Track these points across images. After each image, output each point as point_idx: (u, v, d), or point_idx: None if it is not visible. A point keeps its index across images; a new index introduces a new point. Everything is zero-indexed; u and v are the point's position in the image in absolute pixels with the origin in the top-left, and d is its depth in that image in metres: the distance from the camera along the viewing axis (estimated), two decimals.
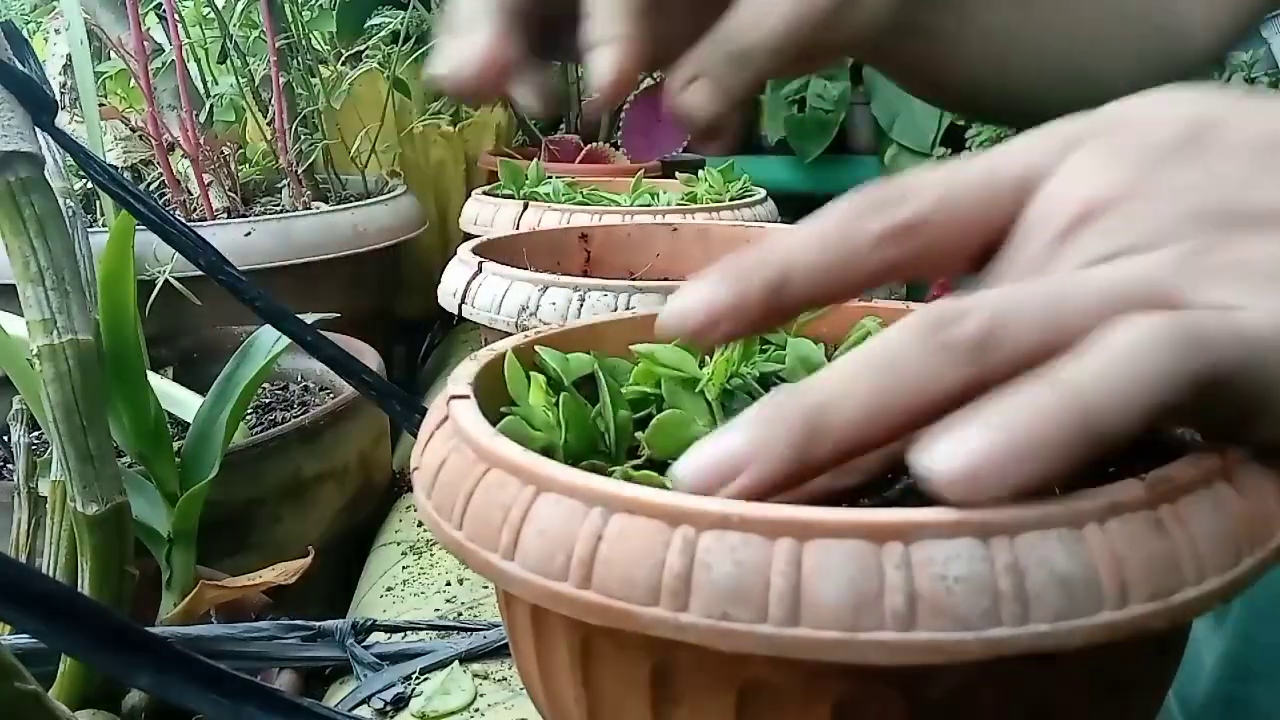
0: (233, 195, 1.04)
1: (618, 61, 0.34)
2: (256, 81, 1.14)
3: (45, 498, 0.51)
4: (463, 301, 0.61)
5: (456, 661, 0.50)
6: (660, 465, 0.36)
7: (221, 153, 1.03)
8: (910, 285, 0.60)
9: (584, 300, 0.56)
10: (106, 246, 0.51)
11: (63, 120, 0.97)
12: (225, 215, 1.01)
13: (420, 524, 0.70)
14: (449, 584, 0.60)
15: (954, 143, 1.69)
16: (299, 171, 1.08)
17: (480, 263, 0.62)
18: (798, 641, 0.22)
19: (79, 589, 0.48)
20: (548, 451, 0.33)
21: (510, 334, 0.41)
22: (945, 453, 0.22)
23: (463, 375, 0.34)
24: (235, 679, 0.33)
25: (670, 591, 0.23)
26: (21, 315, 0.46)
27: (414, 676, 0.50)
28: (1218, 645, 0.50)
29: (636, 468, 0.34)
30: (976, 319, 0.23)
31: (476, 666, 0.50)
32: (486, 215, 0.89)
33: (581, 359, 0.39)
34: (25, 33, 0.54)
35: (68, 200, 0.56)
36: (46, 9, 1.31)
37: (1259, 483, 0.25)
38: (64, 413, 0.45)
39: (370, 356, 0.78)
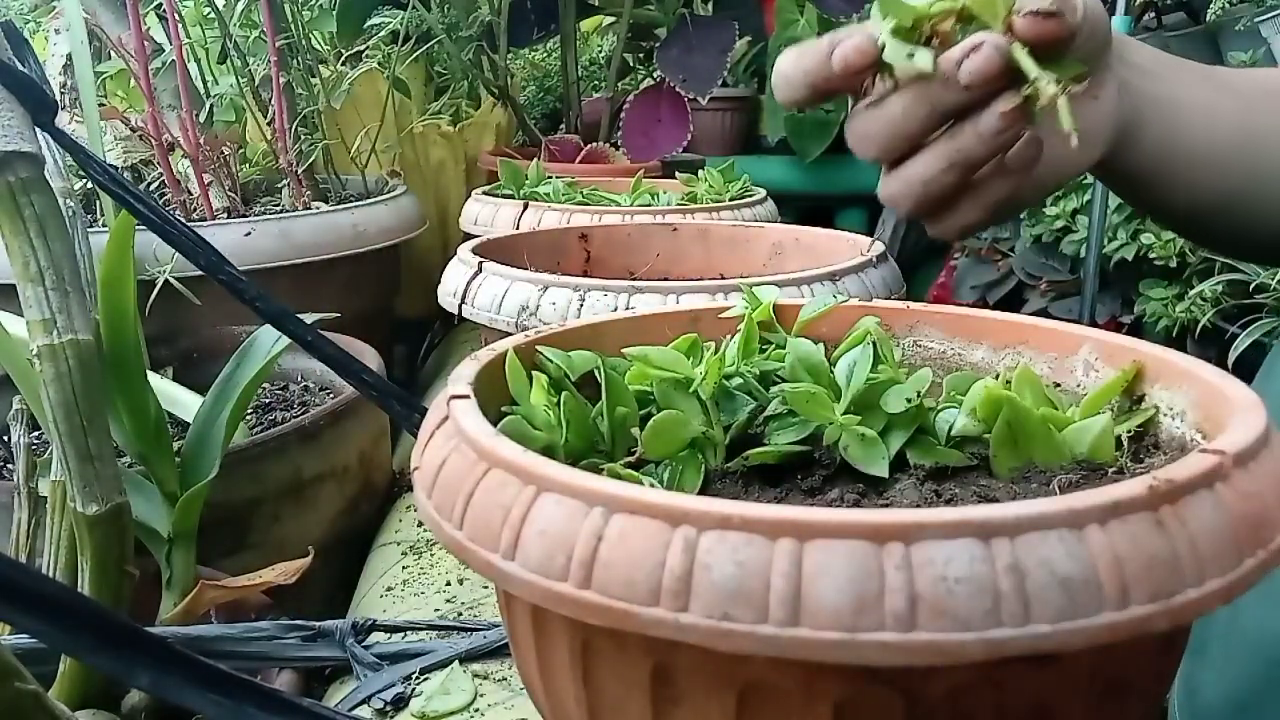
0: (233, 195, 1.04)
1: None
2: (256, 81, 1.14)
3: (45, 498, 0.51)
4: (463, 301, 0.61)
5: (456, 661, 0.50)
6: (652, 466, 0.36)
7: (221, 153, 1.03)
8: (910, 284, 0.61)
9: (584, 300, 0.56)
10: (106, 246, 0.51)
11: (63, 120, 0.97)
12: (225, 215, 1.01)
13: (420, 524, 0.70)
14: (449, 584, 0.60)
15: None
16: (299, 171, 1.08)
17: (480, 263, 0.62)
18: (798, 642, 0.22)
19: (79, 589, 0.48)
20: (549, 451, 0.34)
21: (510, 334, 0.41)
22: None
23: (463, 375, 0.34)
24: (235, 679, 0.33)
25: (671, 592, 0.23)
26: (21, 315, 0.45)
27: (414, 676, 0.50)
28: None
29: (628, 466, 0.34)
30: None
31: (476, 666, 0.50)
32: (486, 215, 0.89)
33: (585, 356, 0.39)
34: (25, 33, 0.54)
35: (68, 200, 0.56)
36: (46, 9, 1.31)
37: (1260, 483, 0.25)
38: (64, 413, 0.45)
39: (370, 356, 0.78)
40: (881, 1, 0.39)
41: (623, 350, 0.39)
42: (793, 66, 0.41)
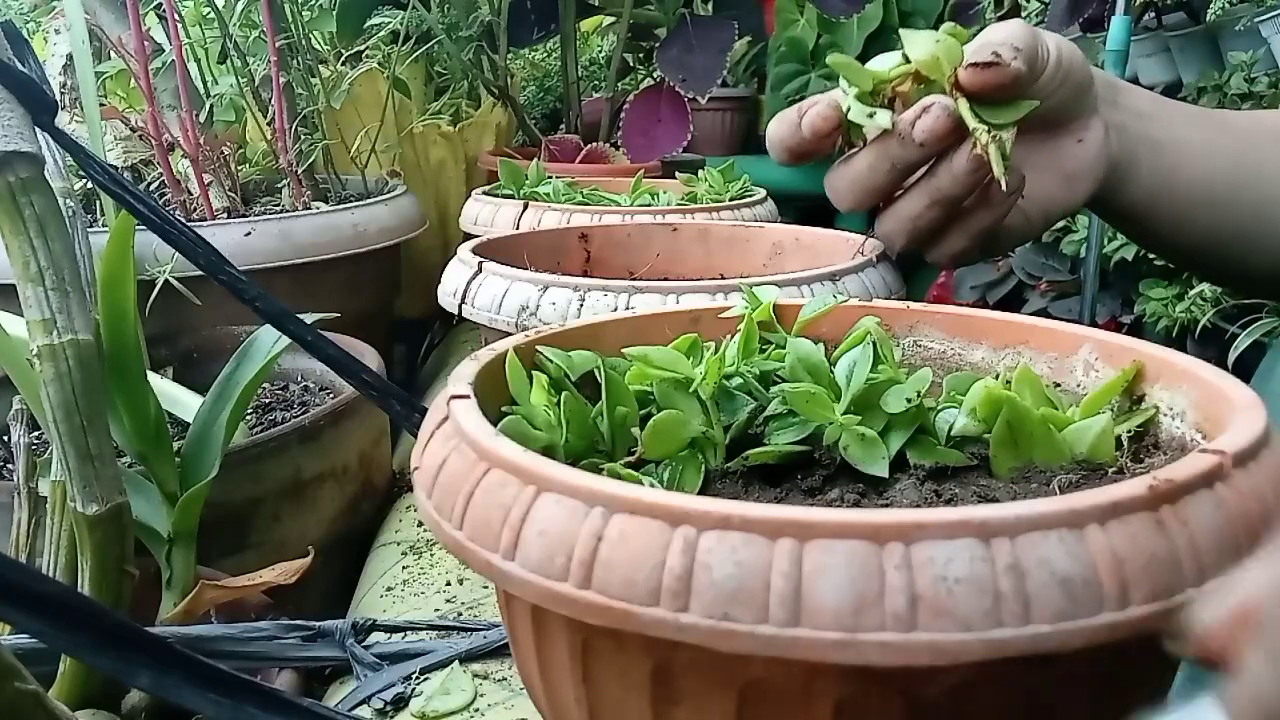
0: (233, 195, 1.04)
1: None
2: (256, 81, 1.14)
3: (45, 498, 0.51)
4: (463, 301, 0.61)
5: (456, 661, 0.50)
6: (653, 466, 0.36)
7: (221, 153, 1.03)
8: (910, 284, 0.62)
9: (584, 300, 0.56)
10: (106, 246, 0.51)
11: (63, 120, 0.97)
12: (225, 215, 1.01)
13: (420, 524, 0.70)
14: (449, 584, 0.60)
15: None
16: (299, 171, 1.08)
17: (480, 263, 0.62)
18: (798, 642, 0.22)
19: (79, 589, 0.48)
20: (549, 451, 0.34)
21: (510, 334, 0.41)
22: None
23: (463, 375, 0.34)
24: (235, 679, 0.33)
25: (671, 592, 0.23)
26: (21, 315, 0.45)
27: (414, 676, 0.50)
28: None
29: (629, 466, 0.34)
30: None
31: (476, 666, 0.50)
32: (486, 215, 0.89)
33: (584, 356, 0.39)
34: (25, 33, 0.54)
35: (68, 200, 0.56)
36: (46, 9, 1.31)
37: (1260, 483, 0.25)
38: (64, 413, 0.45)
39: (370, 356, 0.78)
40: (844, 70, 0.44)
41: (623, 350, 0.39)
42: (773, 134, 0.48)
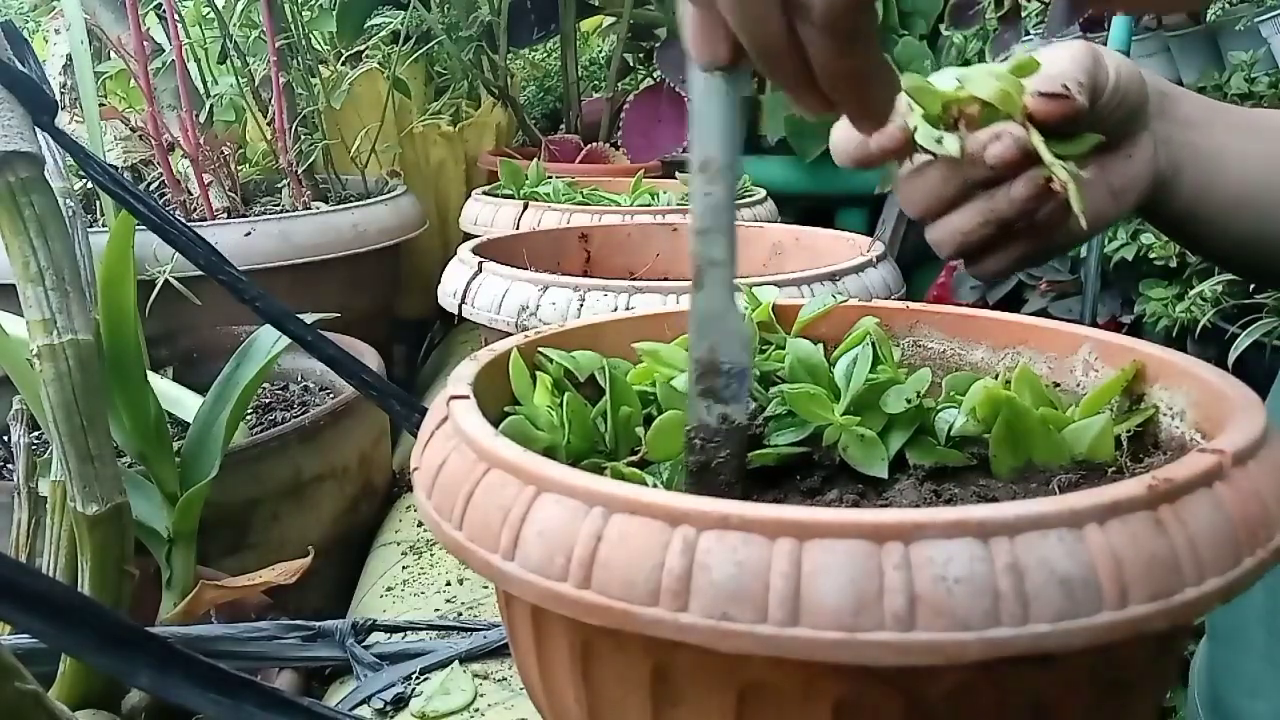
0: (233, 195, 1.04)
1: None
2: (256, 81, 1.14)
3: (45, 498, 0.51)
4: (463, 301, 0.61)
5: (456, 661, 0.50)
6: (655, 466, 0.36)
7: (221, 153, 1.03)
8: (910, 284, 0.62)
9: (584, 300, 0.56)
10: (106, 246, 0.51)
11: (63, 120, 0.97)
12: (225, 215, 1.01)
13: (420, 524, 0.70)
14: (449, 584, 0.60)
15: None
16: (299, 171, 1.08)
17: (480, 263, 0.62)
18: (798, 642, 0.22)
19: (79, 589, 0.48)
20: (550, 452, 0.34)
21: (510, 334, 0.41)
22: None
23: (463, 375, 0.34)
24: (235, 679, 0.33)
25: (670, 592, 0.23)
26: (21, 315, 0.46)
27: (414, 676, 0.50)
28: None
29: (631, 465, 0.34)
30: None
31: (476, 666, 0.50)
32: (486, 215, 0.89)
33: (589, 356, 0.39)
34: (25, 33, 0.54)
35: (68, 200, 0.56)
36: (46, 9, 1.31)
37: (1259, 483, 0.25)
38: (64, 413, 0.45)
39: (370, 356, 0.78)
40: (915, 92, 0.45)
41: (632, 345, 0.39)
42: (838, 142, 0.50)
